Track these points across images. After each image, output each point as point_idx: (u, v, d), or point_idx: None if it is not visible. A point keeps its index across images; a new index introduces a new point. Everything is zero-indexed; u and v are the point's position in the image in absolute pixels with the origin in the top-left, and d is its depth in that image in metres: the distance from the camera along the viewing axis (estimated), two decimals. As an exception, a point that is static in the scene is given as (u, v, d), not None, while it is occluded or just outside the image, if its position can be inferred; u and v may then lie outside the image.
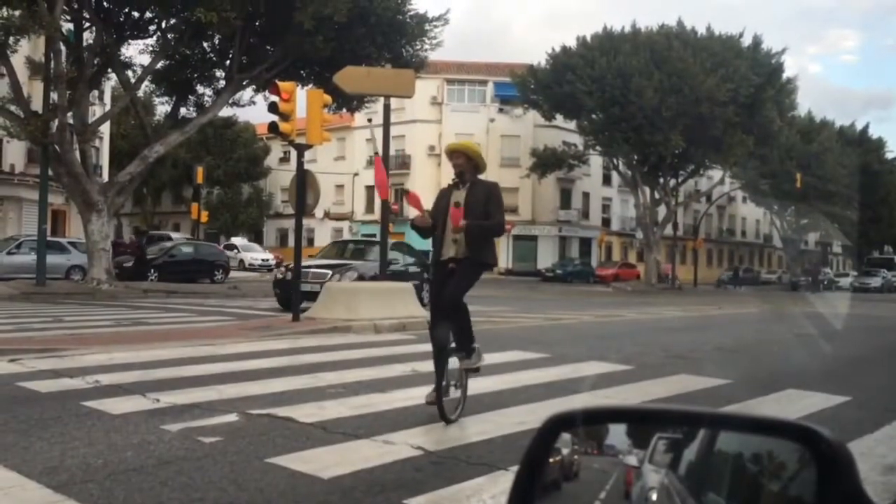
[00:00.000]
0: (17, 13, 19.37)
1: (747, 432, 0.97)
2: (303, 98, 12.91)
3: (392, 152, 19.41)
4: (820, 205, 52.19)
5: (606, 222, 55.29)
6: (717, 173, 49.68)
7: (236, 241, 47.50)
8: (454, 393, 5.47)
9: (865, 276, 54.12)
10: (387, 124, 13.53)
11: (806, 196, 50.30)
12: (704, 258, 59.81)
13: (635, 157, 40.98)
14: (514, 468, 1.04)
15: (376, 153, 5.50)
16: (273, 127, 12.13)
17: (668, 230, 44.57)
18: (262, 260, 42.41)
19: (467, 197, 5.50)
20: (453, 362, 5.48)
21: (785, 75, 41.55)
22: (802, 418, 4.59)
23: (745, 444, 0.98)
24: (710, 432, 1.04)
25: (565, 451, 1.10)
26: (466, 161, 5.60)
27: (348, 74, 14.07)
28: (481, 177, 5.74)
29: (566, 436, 1.10)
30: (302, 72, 23.80)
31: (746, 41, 39.86)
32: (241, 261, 41.41)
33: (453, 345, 5.52)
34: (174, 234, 46.65)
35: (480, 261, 5.56)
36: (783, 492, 0.89)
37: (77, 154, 21.20)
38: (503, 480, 3.79)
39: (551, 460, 1.09)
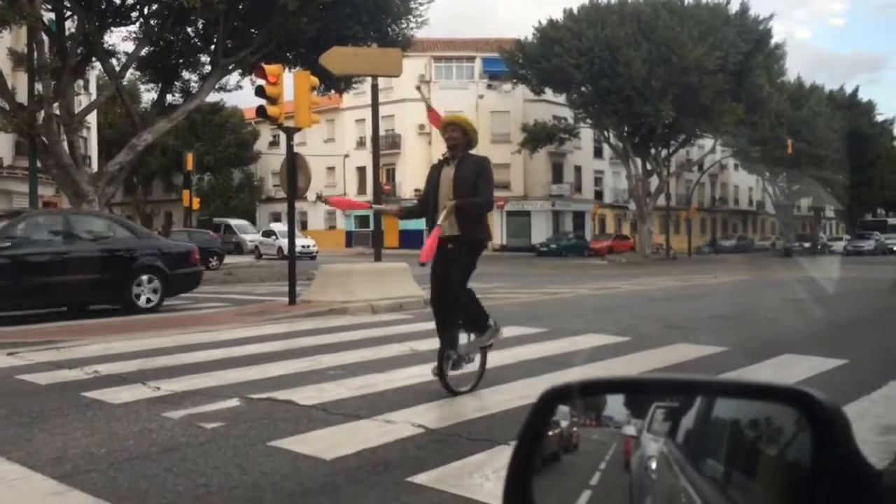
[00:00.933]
0: (-3, 4, 19.12)
1: (742, 398, 0.98)
2: (290, 81, 12.82)
3: (381, 132, 19.31)
4: (811, 170, 52.27)
5: (599, 195, 55.28)
6: (708, 142, 49.64)
7: (276, 226, 42.02)
8: (468, 367, 5.54)
9: (858, 239, 54.26)
10: (375, 104, 13.46)
11: (797, 161, 50.30)
12: (698, 227, 59.91)
13: (626, 128, 40.89)
14: (515, 443, 1.05)
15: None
16: (261, 111, 12.05)
17: (661, 201, 44.59)
18: (303, 247, 35.71)
19: (457, 172, 5.50)
20: (463, 337, 5.54)
21: (773, 41, 41.44)
22: (799, 383, 4.63)
23: (741, 410, 0.99)
24: (706, 400, 1.05)
25: (564, 424, 1.12)
26: (462, 135, 5.60)
27: (334, 55, 13.96)
28: (472, 151, 5.74)
29: (564, 408, 1.11)
30: (288, 54, 23.58)
31: (734, 8, 39.69)
32: (280, 248, 36.21)
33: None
34: (235, 222, 44.41)
35: (473, 237, 5.55)
36: (781, 456, 0.90)
37: (65, 145, 21.03)
38: (504, 455, 3.82)
39: (550, 433, 1.10)
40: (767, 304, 13.29)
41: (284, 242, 35.51)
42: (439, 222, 5.34)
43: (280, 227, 41.07)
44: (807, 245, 51.70)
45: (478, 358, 5.63)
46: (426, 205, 5.70)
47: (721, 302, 13.81)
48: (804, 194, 63.09)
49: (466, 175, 5.46)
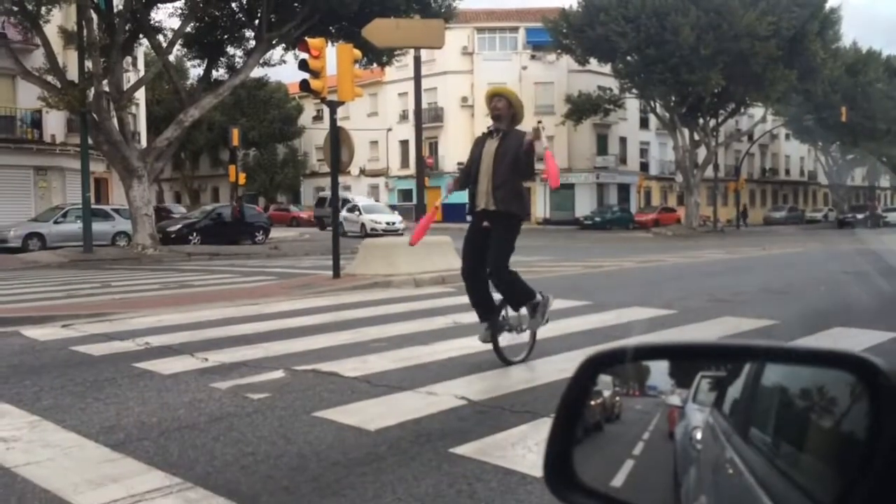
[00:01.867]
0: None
1: (798, 364, 0.94)
2: (333, 55, 12.82)
3: (424, 105, 19.24)
4: (866, 139, 50.67)
5: (645, 167, 54.41)
6: (758, 111, 48.36)
7: (360, 200, 37.34)
8: (519, 338, 5.58)
9: (916, 209, 52.59)
10: (418, 77, 13.39)
11: (852, 131, 48.79)
12: (747, 199, 58.68)
13: (673, 98, 40.02)
14: (556, 412, 1.03)
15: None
16: (304, 85, 12.09)
17: (709, 172, 43.70)
18: (388, 223, 32.58)
19: (499, 147, 5.45)
20: (510, 309, 5.60)
21: (828, 5, 39.96)
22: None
23: (792, 378, 0.95)
24: (754, 369, 1.01)
25: (606, 393, 1.09)
26: (507, 107, 5.54)
27: (377, 28, 13.90)
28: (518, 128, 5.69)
29: (607, 378, 1.09)
30: (331, 28, 23.60)
31: (787, -28, 38.32)
32: (363, 225, 32.98)
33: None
34: (355, 198, 37.88)
35: (512, 214, 5.52)
36: (835, 427, 0.86)
37: (115, 121, 21.46)
38: (546, 427, 3.79)
39: (592, 403, 1.08)
40: (820, 276, 12.96)
41: (369, 218, 33.35)
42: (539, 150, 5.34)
43: (364, 201, 37.77)
44: (861, 216, 50.23)
45: (525, 328, 5.64)
46: (467, 175, 5.68)
47: (771, 275, 13.51)
48: (858, 164, 61.27)
49: (508, 149, 5.41)
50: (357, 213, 34.42)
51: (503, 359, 5.44)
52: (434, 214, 6.06)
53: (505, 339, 5.55)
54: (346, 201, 35.81)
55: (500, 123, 5.53)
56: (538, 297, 5.57)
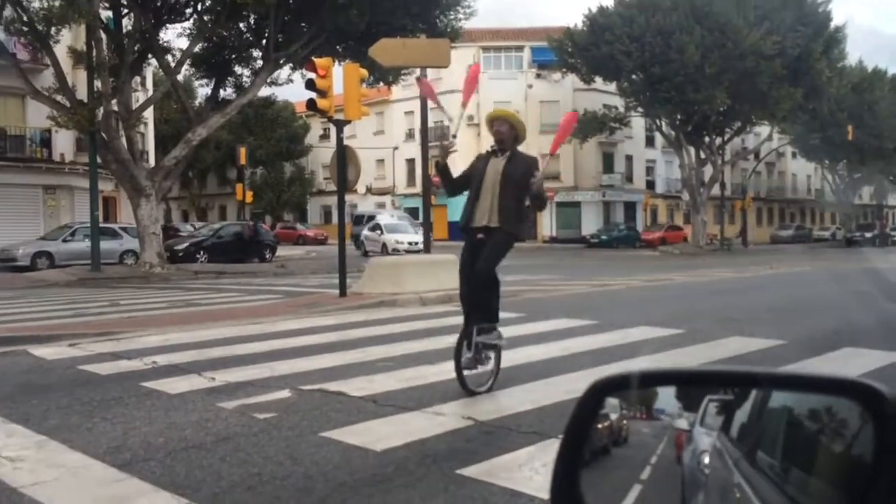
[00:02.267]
0: (56, 3, 19.70)
1: (801, 391, 0.94)
2: (340, 74, 12.91)
3: (431, 124, 19.33)
4: (873, 157, 50.61)
5: (651, 185, 54.40)
6: (764, 129, 48.38)
7: (382, 219, 35.03)
8: (482, 367, 5.39)
9: (924, 228, 52.38)
10: (424, 96, 13.44)
11: (859, 149, 48.76)
12: (754, 217, 58.56)
13: (678, 116, 40.09)
14: (562, 435, 1.03)
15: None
16: (311, 104, 12.18)
17: (716, 190, 43.66)
18: (410, 243, 30.17)
19: (506, 166, 5.44)
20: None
21: (833, 24, 40.07)
22: (861, 377, 4.47)
23: (799, 402, 0.95)
24: (762, 393, 1.01)
25: (614, 417, 1.09)
26: (509, 129, 5.54)
27: (383, 47, 13.99)
28: (520, 148, 5.67)
29: (614, 401, 1.09)
30: (338, 47, 23.77)
31: (791, -9, 38.47)
32: (384, 245, 31.37)
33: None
34: (378, 215, 36.39)
35: (512, 232, 5.44)
36: (843, 452, 0.86)
37: (123, 140, 21.59)
38: (554, 448, 3.77)
39: (600, 426, 1.08)
40: (828, 296, 12.92)
41: (391, 238, 31.38)
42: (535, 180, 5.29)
43: (388, 219, 35.35)
44: (869, 235, 50.04)
45: (492, 356, 5.47)
46: (459, 186, 5.63)
47: (779, 294, 13.47)
48: (866, 183, 61.11)
49: (517, 171, 5.39)
50: (379, 232, 32.40)
51: (466, 388, 5.22)
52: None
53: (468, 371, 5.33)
54: (370, 218, 35.07)
55: (503, 146, 5.54)
56: (497, 327, 5.41)
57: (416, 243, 28.93)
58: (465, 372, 5.26)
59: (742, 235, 49.48)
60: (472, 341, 5.29)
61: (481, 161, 5.61)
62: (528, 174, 5.36)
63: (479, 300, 5.36)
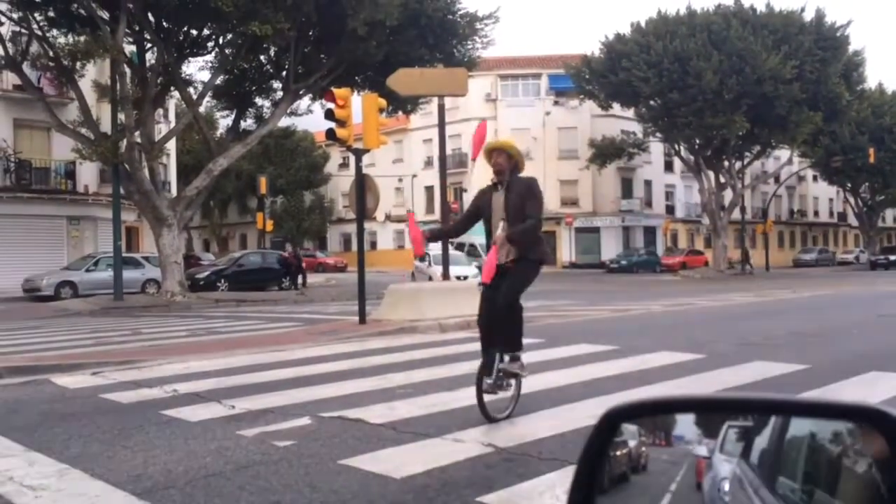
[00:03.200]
0: (82, 39, 20.14)
1: (817, 417, 0.94)
2: (358, 103, 13.05)
3: (448, 151, 19.44)
4: (896, 179, 50.18)
5: (670, 210, 54.21)
6: (784, 153, 48.14)
7: (435, 248, 31.10)
8: (503, 393, 5.36)
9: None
10: (442, 124, 13.56)
11: (881, 171, 48.34)
12: (775, 241, 58.06)
13: (697, 141, 40.03)
14: (578, 462, 1.02)
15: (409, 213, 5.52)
16: (330, 133, 12.30)
17: (736, 214, 43.41)
18: (458, 277, 24.78)
19: (507, 197, 5.44)
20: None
21: (851, 48, 39.96)
22: (885, 402, 4.40)
23: (819, 429, 0.94)
24: (781, 419, 1.00)
25: (633, 444, 1.09)
26: (507, 160, 5.54)
27: (402, 77, 14.15)
28: (529, 171, 5.71)
29: (633, 428, 1.08)
30: (356, 77, 24.08)
31: (809, 16, 38.50)
32: (430, 278, 27.74)
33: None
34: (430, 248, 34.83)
35: (533, 259, 5.48)
36: (865, 478, 0.85)
37: (146, 171, 21.92)
38: (575, 475, 3.75)
39: (619, 453, 1.07)
40: (852, 320, 12.73)
41: (438, 270, 28.73)
42: (495, 239, 5.41)
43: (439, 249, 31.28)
44: (893, 258, 49.40)
45: (513, 383, 5.45)
46: (466, 224, 5.78)
47: (802, 318, 13.31)
48: (889, 205, 60.47)
49: (516, 199, 5.41)
50: (427, 263, 29.88)
51: (487, 415, 5.19)
52: (496, 251, 5.66)
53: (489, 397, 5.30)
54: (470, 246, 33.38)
55: (502, 177, 5.55)
56: (521, 356, 5.41)
57: (466, 277, 26.16)
58: (486, 397, 5.24)
59: (743, 262, 48.91)
60: (494, 368, 5.28)
61: (485, 197, 5.62)
62: (528, 196, 5.40)
63: (503, 330, 5.35)
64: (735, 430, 1.07)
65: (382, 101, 13.51)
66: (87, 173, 28.73)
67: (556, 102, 49.65)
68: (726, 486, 1.04)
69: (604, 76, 39.25)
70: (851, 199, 59.31)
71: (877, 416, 0.78)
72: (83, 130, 21.32)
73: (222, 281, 26.90)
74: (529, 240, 5.47)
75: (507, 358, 5.34)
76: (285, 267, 30.19)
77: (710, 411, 1.09)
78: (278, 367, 7.98)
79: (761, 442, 1.03)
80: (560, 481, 3.74)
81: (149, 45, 22.63)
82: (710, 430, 1.07)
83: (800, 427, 0.97)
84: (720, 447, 1.06)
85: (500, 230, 5.40)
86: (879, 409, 0.79)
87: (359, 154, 12.55)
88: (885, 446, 0.76)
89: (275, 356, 8.99)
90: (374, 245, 53.48)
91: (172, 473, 4.13)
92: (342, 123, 12.18)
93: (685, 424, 1.08)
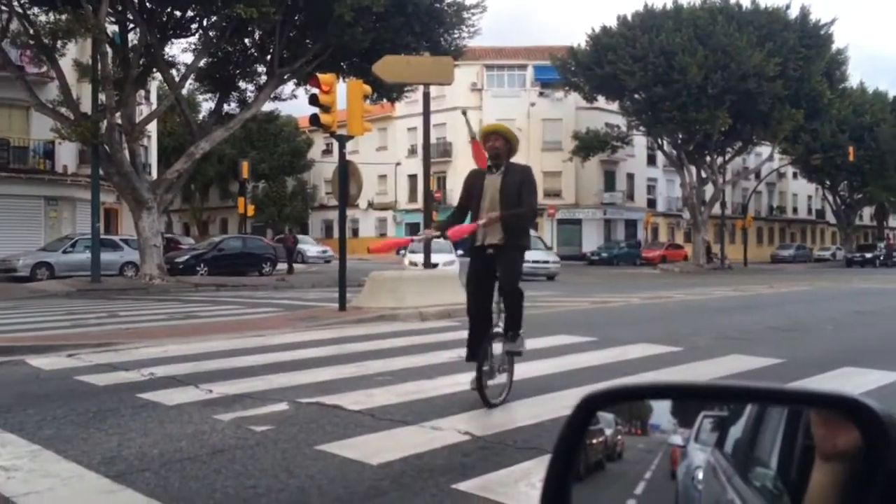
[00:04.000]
0: (63, 17, 19.84)
1: (791, 405, 0.94)
2: (343, 90, 12.97)
3: (433, 140, 19.39)
4: (874, 178, 50.75)
5: (652, 203, 54.50)
6: (765, 149, 48.53)
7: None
8: (499, 378, 5.48)
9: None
10: (427, 112, 13.52)
11: (860, 169, 48.89)
12: (754, 237, 58.59)
13: (680, 136, 40.24)
14: (553, 449, 1.02)
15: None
16: (314, 119, 12.22)
17: (716, 209, 43.74)
18: (444, 263, 22.61)
19: (503, 182, 5.46)
20: (497, 347, 5.48)
21: (835, 46, 40.30)
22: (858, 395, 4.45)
23: (794, 419, 0.95)
24: (756, 409, 1.01)
25: (608, 432, 1.09)
26: (504, 143, 5.55)
27: (387, 64, 14.08)
28: (514, 159, 5.69)
29: (609, 416, 1.08)
30: (342, 63, 23.91)
31: (794, 13, 38.74)
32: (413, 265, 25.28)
33: (497, 329, 5.51)
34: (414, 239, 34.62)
35: (520, 245, 5.57)
36: (839, 464, 0.85)
37: (126, 153, 21.68)
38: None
39: (594, 441, 1.07)
40: (828, 315, 12.88)
41: (419, 257, 26.93)
42: (481, 224, 5.40)
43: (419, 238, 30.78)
44: (869, 255, 50.05)
45: (507, 369, 5.56)
46: (464, 213, 5.69)
47: (779, 313, 13.44)
48: (867, 203, 61.23)
49: (512, 185, 5.42)
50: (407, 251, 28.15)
51: (487, 401, 5.27)
52: (475, 227, 5.67)
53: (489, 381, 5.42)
54: None
55: (499, 161, 5.55)
56: (522, 331, 5.57)
57: (452, 262, 24.52)
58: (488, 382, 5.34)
59: (707, 254, 49.26)
60: (490, 352, 5.38)
61: (476, 179, 5.62)
62: (525, 184, 5.43)
63: (509, 311, 5.47)
64: (710, 420, 1.07)
65: (367, 88, 13.45)
66: (66, 154, 28.36)
67: (541, 94, 49.66)
68: (700, 475, 1.04)
69: (589, 69, 39.31)
70: (830, 197, 59.97)
71: (851, 405, 0.79)
72: (63, 110, 21.01)
73: (202, 265, 26.70)
74: (522, 225, 5.51)
75: (506, 340, 5.48)
76: (285, 247, 30.73)
77: (688, 397, 1.09)
78: (256, 353, 7.95)
79: (736, 431, 1.04)
80: (536, 469, 3.76)
81: (131, 26, 22.33)
82: (685, 420, 1.08)
83: (774, 418, 0.98)
84: (695, 436, 1.06)
85: (492, 214, 5.39)
86: (854, 399, 0.79)
87: (342, 140, 12.48)
88: (858, 435, 0.76)
89: (253, 341, 8.95)
90: (356, 232, 53.28)
91: (147, 456, 4.11)
92: (326, 109, 12.11)
93: (661, 413, 1.08)
